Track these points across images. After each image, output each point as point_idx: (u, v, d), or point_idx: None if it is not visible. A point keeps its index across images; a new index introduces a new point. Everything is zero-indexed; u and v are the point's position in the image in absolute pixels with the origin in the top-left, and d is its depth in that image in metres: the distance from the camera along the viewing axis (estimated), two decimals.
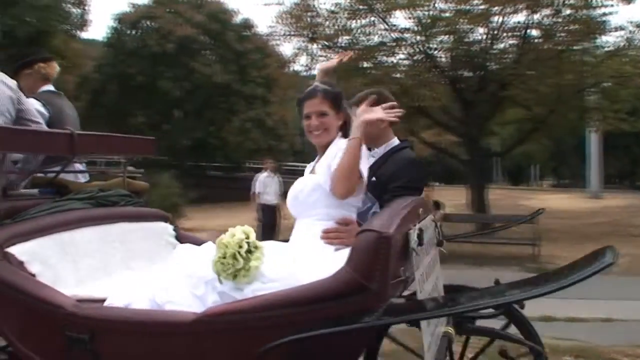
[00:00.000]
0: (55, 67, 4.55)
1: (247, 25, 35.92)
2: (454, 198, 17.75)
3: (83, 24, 35.35)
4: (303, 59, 17.90)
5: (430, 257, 2.76)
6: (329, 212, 2.67)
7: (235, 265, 2.28)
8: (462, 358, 3.40)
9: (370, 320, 1.91)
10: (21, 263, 2.71)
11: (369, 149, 3.25)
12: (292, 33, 16.72)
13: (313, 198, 2.74)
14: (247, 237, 2.37)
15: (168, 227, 3.32)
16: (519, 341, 3.18)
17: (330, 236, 2.56)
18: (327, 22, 15.83)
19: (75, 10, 34.31)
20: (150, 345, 2.30)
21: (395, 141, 3.46)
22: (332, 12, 15.51)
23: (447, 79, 15.63)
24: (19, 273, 2.66)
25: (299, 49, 17.14)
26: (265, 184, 11.75)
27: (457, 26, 14.20)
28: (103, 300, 2.55)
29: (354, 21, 15.54)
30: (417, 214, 2.65)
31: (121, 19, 34.81)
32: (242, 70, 33.75)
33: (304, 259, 2.40)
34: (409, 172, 3.28)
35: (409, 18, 14.83)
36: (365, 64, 16.22)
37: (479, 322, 3.06)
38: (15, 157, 3.50)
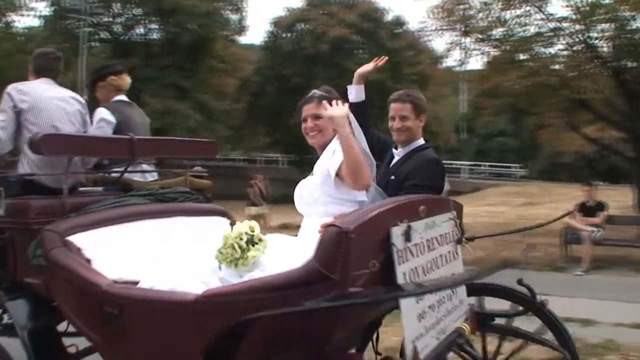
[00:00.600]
0: (126, 79, 4.90)
1: (398, 22, 35.79)
2: (619, 198, 16.58)
3: (241, 29, 37.21)
4: (456, 54, 17.50)
5: (437, 253, 2.90)
6: (327, 209, 2.91)
7: (233, 255, 2.63)
8: (495, 357, 3.46)
9: (317, 303, 2.09)
10: (78, 249, 3.16)
11: (395, 148, 3.70)
12: (444, 27, 16.36)
13: (314, 197, 3.03)
14: (252, 231, 2.68)
15: (224, 221, 3.57)
16: (542, 342, 3.30)
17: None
18: (480, 14, 15.31)
19: (233, 17, 36.17)
20: (162, 320, 2.64)
21: (420, 142, 3.70)
22: (485, 3, 14.99)
23: (609, 70, 14.57)
24: (74, 258, 3.11)
25: (451, 43, 16.72)
26: None
27: (618, 13, 13.27)
28: (137, 283, 2.92)
29: (509, 12, 14.91)
30: (414, 211, 2.74)
31: (277, 22, 36.03)
32: (394, 68, 33.63)
33: (303, 251, 2.51)
34: (424, 171, 3.47)
35: (566, 6, 14.06)
36: (522, 56, 15.60)
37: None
38: (87, 160, 4.17)
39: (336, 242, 2.25)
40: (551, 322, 3.35)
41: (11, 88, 4.09)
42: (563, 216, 4.26)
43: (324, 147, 3.15)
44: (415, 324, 2.58)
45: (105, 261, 3.15)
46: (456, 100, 48.40)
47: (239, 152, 45.91)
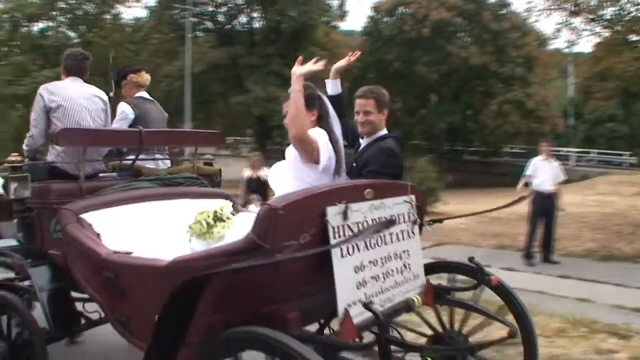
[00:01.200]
0: (144, 76, 5.53)
1: (502, 3, 34.61)
2: None
3: (342, 15, 37.20)
4: (565, 35, 16.70)
5: (386, 231, 3.21)
6: (294, 188, 3.19)
7: (201, 230, 3.19)
8: (452, 327, 3.89)
9: (242, 264, 2.53)
10: (89, 225, 3.81)
11: (361, 138, 4.07)
12: (553, 7, 15.70)
13: (282, 178, 3.47)
14: (221, 210, 3.25)
15: (226, 204, 3.76)
16: (491, 316, 3.67)
17: None
18: None
19: (334, 3, 36.20)
20: (144, 282, 3.19)
21: (381, 133, 4.01)
22: None
23: None
24: (84, 232, 3.74)
25: (559, 24, 16.04)
26: (538, 168, 10.39)
27: None
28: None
29: None
30: (358, 194, 3.09)
31: (378, 7, 35.77)
32: (499, 50, 32.69)
33: None
34: (381, 159, 3.81)
35: None
36: (635, 37, 14.71)
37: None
38: (102, 150, 4.82)
39: (267, 217, 2.68)
40: (506, 296, 3.73)
41: (42, 89, 4.71)
42: (518, 200, 4.45)
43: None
44: (351, 290, 2.91)
45: (111, 235, 3.76)
46: (564, 84, 46.36)
47: None
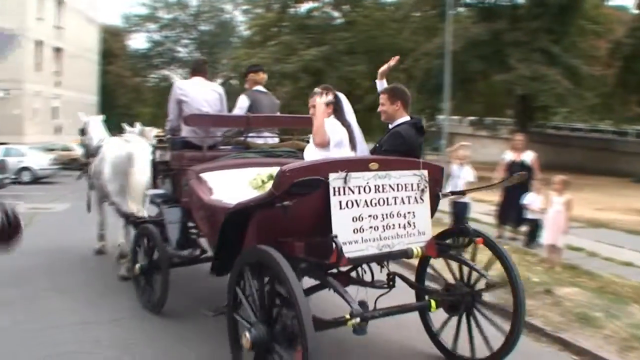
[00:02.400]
0: (260, 75, 7.38)
1: None
2: None
3: None
4: None
5: (391, 195, 4.39)
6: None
7: (256, 184, 5.29)
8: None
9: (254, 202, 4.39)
10: (205, 182, 5.59)
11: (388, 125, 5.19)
12: None
13: (310, 154, 4.97)
14: (271, 176, 4.97)
15: None
16: (473, 268, 4.84)
17: None
18: None
19: None
20: (220, 218, 4.71)
21: (398, 121, 5.07)
22: None
23: None
24: (200, 186, 5.55)
25: None
26: None
27: None
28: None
29: None
30: (363, 166, 4.32)
31: None
32: None
33: None
34: (390, 141, 4.94)
35: None
36: None
37: None
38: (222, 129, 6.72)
39: (278, 176, 4.05)
40: (494, 252, 4.78)
41: (176, 85, 6.88)
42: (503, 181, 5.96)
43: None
44: (347, 233, 4.12)
45: (218, 189, 5.48)
46: None
47: (608, 122, 41.73)
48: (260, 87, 7.27)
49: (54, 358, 5.18)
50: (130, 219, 7.43)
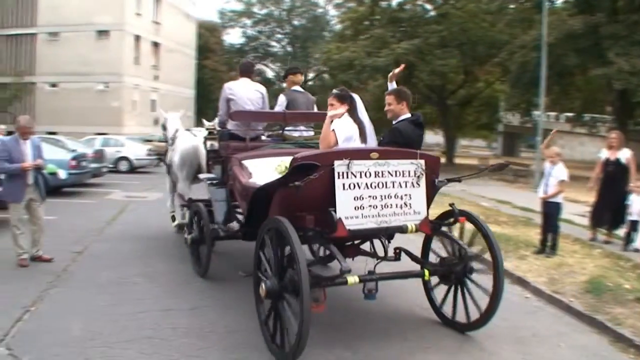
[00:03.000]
0: (298, 77, 8.52)
1: None
2: None
3: None
4: None
5: (390, 179, 5.32)
6: None
7: (280, 170, 6.18)
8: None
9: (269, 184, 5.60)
10: (246, 167, 6.67)
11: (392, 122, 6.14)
12: None
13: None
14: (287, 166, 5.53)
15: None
16: (457, 242, 5.83)
17: None
18: None
19: None
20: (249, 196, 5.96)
21: (402, 117, 6.06)
22: None
23: None
24: (241, 171, 6.62)
25: None
26: None
27: None
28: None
29: None
30: (365, 155, 5.26)
31: None
32: None
33: None
34: (390, 135, 5.95)
35: None
36: None
37: None
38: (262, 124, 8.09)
39: (291, 163, 5.02)
40: (476, 226, 5.68)
41: (226, 86, 8.08)
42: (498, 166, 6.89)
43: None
44: (349, 209, 5.08)
45: (256, 173, 6.50)
46: None
47: None
48: (297, 87, 8.38)
49: (135, 342, 5.39)
50: (188, 200, 9.09)
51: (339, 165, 5.06)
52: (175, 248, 9.28)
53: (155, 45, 46.83)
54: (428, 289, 6.38)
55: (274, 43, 72.22)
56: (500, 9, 31.16)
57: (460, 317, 5.87)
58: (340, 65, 31.64)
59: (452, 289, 6.00)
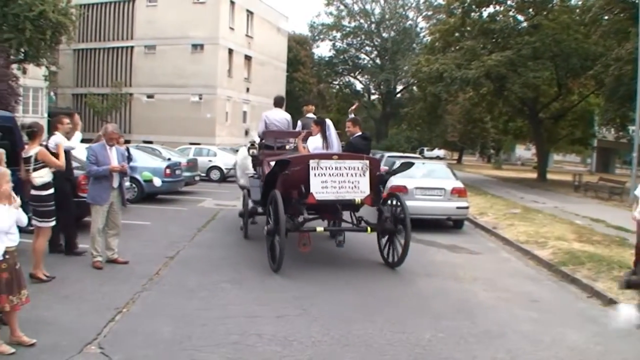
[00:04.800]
0: (309, 107, 12.46)
1: None
2: None
3: None
4: None
5: (345, 172, 8.89)
6: None
7: None
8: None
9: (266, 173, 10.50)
10: (267, 163, 10.16)
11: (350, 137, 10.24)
12: None
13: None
14: None
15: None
16: (382, 212, 9.56)
17: None
18: None
19: None
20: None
21: (356, 134, 9.98)
22: None
23: None
24: (266, 167, 10.10)
25: None
26: None
27: None
28: None
29: None
30: (329, 157, 9.05)
31: None
32: None
33: None
34: (347, 146, 9.82)
35: None
36: None
37: None
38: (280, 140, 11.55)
39: (280, 161, 9.07)
40: (397, 200, 9.35)
41: (263, 113, 11.98)
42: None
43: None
44: (318, 187, 8.75)
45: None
46: None
47: None
48: (310, 114, 11.96)
49: (222, 347, 5.48)
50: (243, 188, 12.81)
51: (312, 162, 8.87)
52: (262, 256, 9.42)
53: (247, 58, 47.90)
54: (379, 242, 9.91)
55: (363, 55, 72.47)
56: (594, 21, 29.93)
57: (390, 258, 9.45)
58: (430, 77, 31.24)
59: (386, 241, 9.63)
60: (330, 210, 9.32)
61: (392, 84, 68.82)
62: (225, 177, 26.87)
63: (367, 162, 9.00)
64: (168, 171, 17.08)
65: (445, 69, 29.74)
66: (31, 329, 5.48)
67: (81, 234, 9.38)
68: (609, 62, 26.66)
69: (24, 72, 29.27)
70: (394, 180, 13.41)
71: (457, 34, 34.24)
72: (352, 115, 10.66)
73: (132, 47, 45.58)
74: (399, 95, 70.85)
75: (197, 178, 21.15)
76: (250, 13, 47.91)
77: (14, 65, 27.65)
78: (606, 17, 29.86)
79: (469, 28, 33.41)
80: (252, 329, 5.99)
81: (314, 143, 9.70)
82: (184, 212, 15.30)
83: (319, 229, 9.27)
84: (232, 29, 44.80)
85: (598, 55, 28.46)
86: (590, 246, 11.03)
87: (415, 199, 13.34)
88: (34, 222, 7.51)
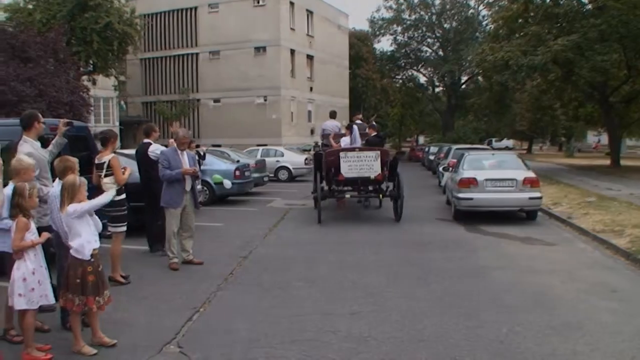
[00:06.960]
0: (356, 115, 19.77)
1: None
2: None
3: None
4: None
5: (364, 159, 13.61)
6: None
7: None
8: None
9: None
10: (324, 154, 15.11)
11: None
12: None
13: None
14: None
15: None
16: (381, 187, 14.47)
17: None
18: None
19: None
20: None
21: (372, 134, 15.44)
22: None
23: None
24: (321, 155, 14.98)
25: None
26: None
27: None
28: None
29: None
30: (354, 150, 13.90)
31: None
32: None
33: None
34: (366, 143, 14.98)
35: None
36: None
37: None
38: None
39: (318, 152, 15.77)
40: (396, 177, 14.44)
41: (322, 124, 18.01)
42: None
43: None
44: (345, 168, 13.52)
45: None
46: None
47: None
48: (358, 120, 17.14)
49: (297, 344, 5.52)
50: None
51: (342, 154, 13.46)
52: (333, 254, 9.47)
53: (309, 57, 48.12)
54: (393, 204, 14.35)
55: (425, 48, 71.66)
56: None
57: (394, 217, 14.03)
58: (495, 66, 30.58)
59: (393, 203, 14.24)
60: (354, 183, 13.93)
61: (456, 75, 67.69)
62: (294, 177, 27.12)
63: (379, 152, 13.60)
64: (237, 173, 17.41)
65: (510, 57, 29.05)
66: (111, 330, 5.68)
67: (137, 237, 9.67)
68: None
69: (94, 83, 30.31)
70: (464, 173, 13.28)
71: (520, 20, 33.38)
72: (373, 123, 16.90)
73: (196, 54, 46.56)
74: (463, 86, 69.66)
75: (265, 179, 21.45)
76: (310, 13, 48.09)
77: (84, 77, 28.71)
78: None
79: (532, 14, 32.50)
80: (326, 326, 6.01)
81: (345, 141, 14.94)
82: (254, 213, 15.58)
83: (348, 195, 14.39)
84: (293, 29, 45.10)
85: None
86: None
87: (485, 191, 13.17)
88: (109, 228, 7.79)
